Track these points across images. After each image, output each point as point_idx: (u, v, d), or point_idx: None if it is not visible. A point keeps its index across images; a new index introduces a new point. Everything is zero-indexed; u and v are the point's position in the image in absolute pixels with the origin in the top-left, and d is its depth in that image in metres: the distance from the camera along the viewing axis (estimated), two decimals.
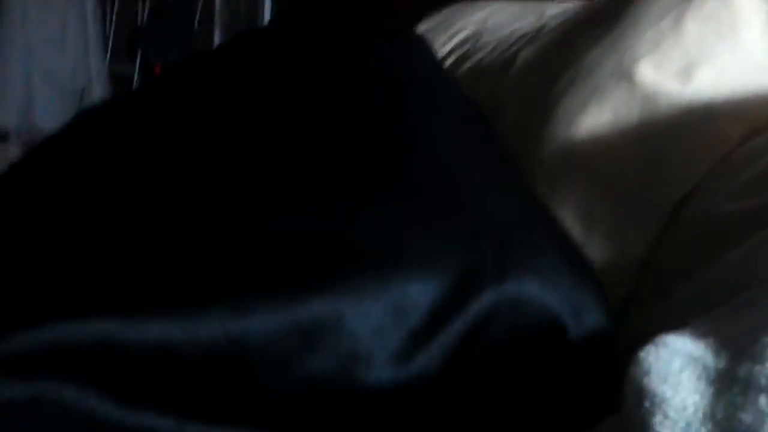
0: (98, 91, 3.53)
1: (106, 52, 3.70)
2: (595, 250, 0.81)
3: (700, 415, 0.38)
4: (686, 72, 0.83)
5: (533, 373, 0.57)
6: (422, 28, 1.53)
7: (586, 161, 0.86)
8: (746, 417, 0.36)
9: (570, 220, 0.84)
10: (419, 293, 0.54)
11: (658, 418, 0.38)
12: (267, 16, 3.31)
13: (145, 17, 3.75)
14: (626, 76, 0.84)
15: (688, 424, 0.38)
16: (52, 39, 3.40)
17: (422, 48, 1.01)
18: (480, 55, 1.30)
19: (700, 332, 0.44)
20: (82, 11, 3.50)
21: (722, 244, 0.69)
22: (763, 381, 0.37)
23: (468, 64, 1.29)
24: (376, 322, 0.52)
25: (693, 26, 0.84)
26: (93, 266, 0.55)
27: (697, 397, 0.39)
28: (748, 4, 0.84)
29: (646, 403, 0.39)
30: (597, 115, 0.84)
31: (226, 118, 0.74)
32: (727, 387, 0.38)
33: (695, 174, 0.80)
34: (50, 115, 3.36)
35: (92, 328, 0.49)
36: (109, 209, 0.62)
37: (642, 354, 0.43)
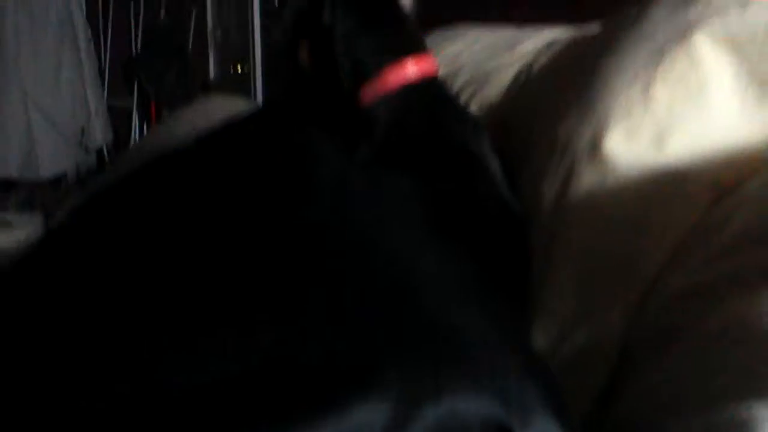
0: (98, 127, 3.54)
1: (103, 86, 3.70)
2: (581, 329, 0.81)
3: None
4: (659, 140, 0.82)
5: None
6: None
7: (569, 236, 0.86)
8: None
9: (561, 291, 0.85)
10: (370, 415, 0.54)
11: None
12: (257, 32, 3.31)
13: (139, 46, 3.75)
14: (598, 149, 0.84)
15: None
16: (48, 80, 3.38)
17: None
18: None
19: None
20: (75, 47, 3.47)
21: (682, 325, 0.69)
22: None
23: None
24: None
25: (663, 92, 0.83)
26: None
27: None
28: (716, 62, 0.83)
29: None
30: (575, 193, 0.85)
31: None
32: None
33: (669, 245, 0.80)
34: (53, 158, 3.39)
35: None
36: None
37: None
